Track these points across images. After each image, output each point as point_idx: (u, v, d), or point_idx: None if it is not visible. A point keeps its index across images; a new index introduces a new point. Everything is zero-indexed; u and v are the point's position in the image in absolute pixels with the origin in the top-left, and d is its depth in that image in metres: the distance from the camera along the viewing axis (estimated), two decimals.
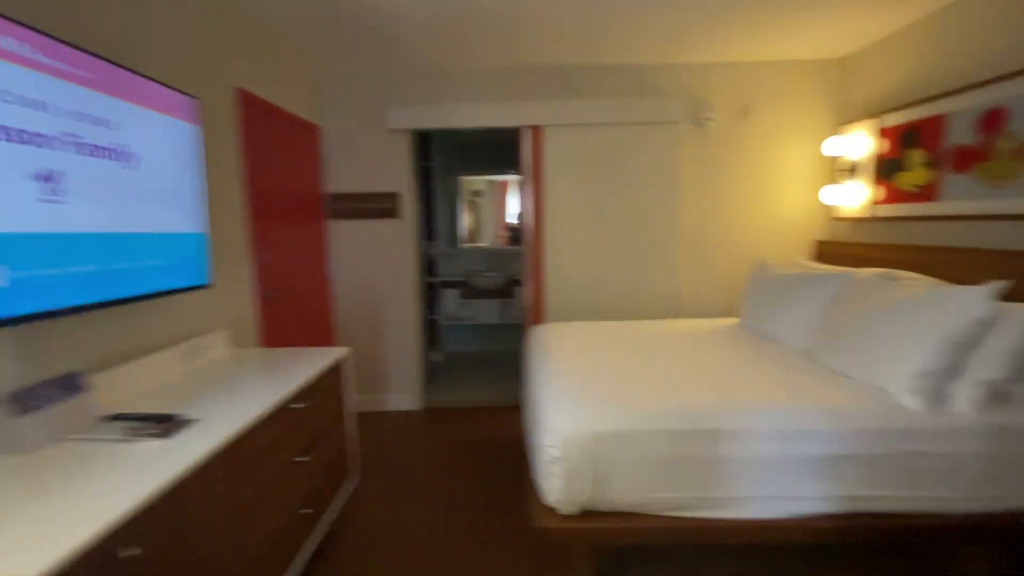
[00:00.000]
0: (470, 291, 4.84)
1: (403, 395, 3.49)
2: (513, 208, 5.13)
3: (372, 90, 3.22)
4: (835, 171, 3.10)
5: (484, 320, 4.82)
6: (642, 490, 1.50)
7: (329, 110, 3.23)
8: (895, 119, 2.61)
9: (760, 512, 1.52)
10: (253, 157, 2.37)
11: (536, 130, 3.15)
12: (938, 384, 1.52)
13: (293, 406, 1.64)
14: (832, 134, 3.11)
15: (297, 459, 1.69)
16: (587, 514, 1.51)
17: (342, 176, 3.28)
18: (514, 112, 3.13)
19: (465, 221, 5.10)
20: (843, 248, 2.96)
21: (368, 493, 2.38)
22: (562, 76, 3.17)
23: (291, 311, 2.74)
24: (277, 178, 2.65)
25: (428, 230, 4.72)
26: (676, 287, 3.29)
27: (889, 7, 2.37)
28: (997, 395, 1.51)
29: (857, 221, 2.95)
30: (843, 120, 3.07)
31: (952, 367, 1.52)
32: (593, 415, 1.53)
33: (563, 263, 3.26)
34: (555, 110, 3.10)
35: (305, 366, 1.85)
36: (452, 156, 4.90)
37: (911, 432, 1.48)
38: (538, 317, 3.30)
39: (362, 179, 3.29)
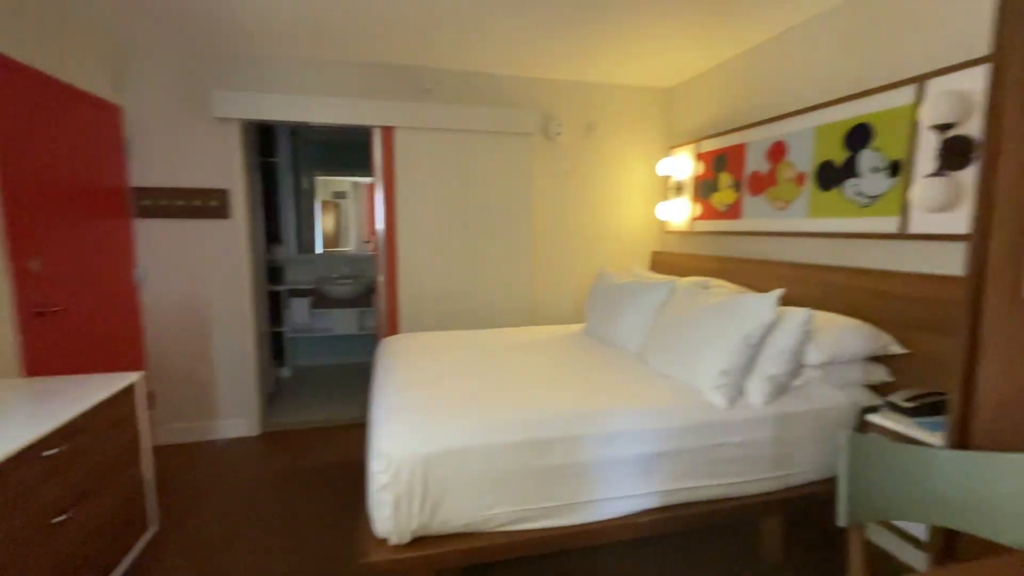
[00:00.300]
0: (324, 300, 4.48)
1: (237, 420, 3.06)
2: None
3: (191, 69, 2.79)
4: (667, 189, 3.45)
5: (341, 331, 4.50)
6: (478, 509, 1.45)
7: (135, 88, 2.73)
8: (709, 145, 2.97)
9: (594, 515, 1.56)
10: (9, 137, 1.88)
11: (388, 131, 3.00)
12: (737, 381, 1.72)
13: (46, 453, 1.30)
14: (663, 156, 3.45)
15: (55, 519, 1.34)
16: (419, 540, 1.42)
17: (153, 167, 2.79)
18: (365, 111, 2.94)
19: (324, 224, 4.72)
20: (673, 258, 3.29)
21: (173, 545, 2.00)
22: (416, 78, 3.07)
23: (77, 330, 2.24)
24: (54, 165, 2.14)
25: (272, 233, 4.27)
26: (531, 295, 3.37)
27: (704, 47, 2.68)
28: (778, 388, 1.75)
29: (683, 234, 3.30)
30: (671, 144, 3.42)
31: (746, 365, 1.72)
32: (425, 434, 1.44)
33: (417, 271, 3.15)
34: (408, 112, 2.99)
35: (73, 399, 1.49)
36: (306, 153, 4.50)
37: (716, 426, 1.64)
38: (392, 327, 3.14)
39: (181, 172, 2.83)
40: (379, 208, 3.08)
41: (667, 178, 3.42)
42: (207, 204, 2.87)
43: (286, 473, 2.60)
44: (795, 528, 2.00)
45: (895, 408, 1.62)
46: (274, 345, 4.05)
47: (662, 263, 3.41)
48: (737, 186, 2.72)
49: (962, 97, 1.59)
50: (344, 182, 4.82)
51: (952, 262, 1.71)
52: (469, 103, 3.16)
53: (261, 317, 3.42)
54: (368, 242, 4.87)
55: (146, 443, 1.88)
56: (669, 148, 3.43)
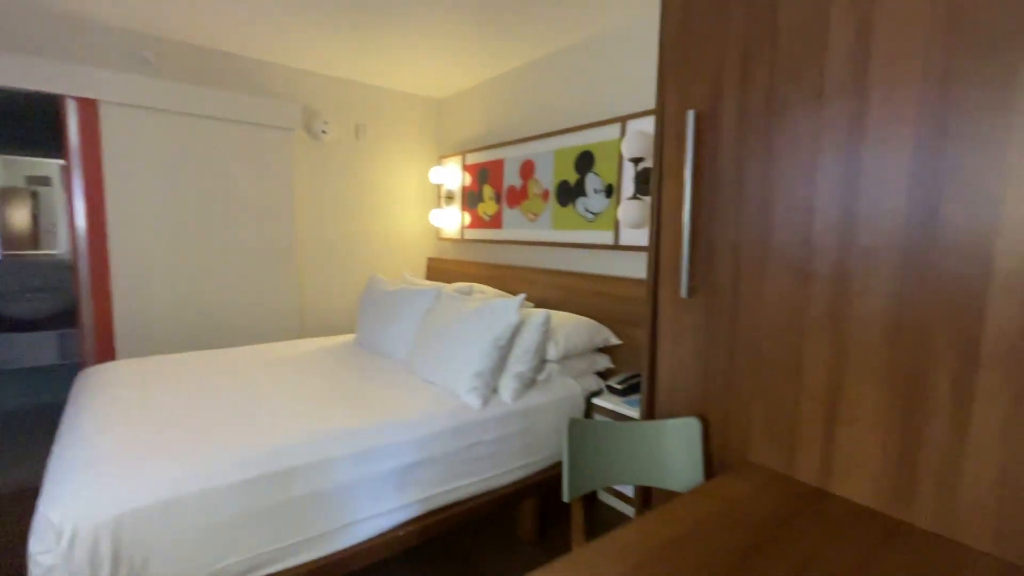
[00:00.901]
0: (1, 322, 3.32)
1: None
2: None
3: None
4: (439, 197, 3.54)
5: (32, 362, 3.40)
6: (203, 565, 1.21)
7: None
8: (474, 158, 3.15)
9: (351, 539, 1.46)
10: None
11: (88, 104, 2.36)
12: (489, 381, 1.83)
13: None
14: (435, 164, 3.54)
15: None
16: None
17: None
18: (52, 74, 2.25)
19: (14, 220, 3.49)
20: (447, 264, 3.40)
21: None
22: (132, 44, 2.49)
23: None
24: None
25: None
26: (299, 305, 3.07)
27: (467, 65, 2.83)
28: (526, 383, 1.93)
29: (455, 241, 3.43)
30: (442, 153, 3.53)
31: (497, 366, 1.85)
32: (113, 491, 1.14)
33: (142, 280, 2.56)
34: (121, 83, 2.40)
35: None
36: None
37: (471, 426, 1.72)
38: (104, 352, 2.48)
39: None
40: (77, 202, 2.40)
41: (439, 186, 3.52)
42: None
43: None
44: (547, 505, 2.25)
45: (612, 390, 1.95)
46: None
47: (437, 269, 3.49)
48: (498, 198, 2.95)
49: (648, 137, 2.01)
50: (47, 165, 3.67)
51: (645, 268, 2.14)
52: (212, 85, 2.71)
53: None
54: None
55: None
56: (440, 157, 3.53)
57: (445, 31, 2.36)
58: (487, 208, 3.05)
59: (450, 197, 3.40)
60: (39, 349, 3.43)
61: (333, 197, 3.18)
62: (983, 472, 0.88)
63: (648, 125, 2.07)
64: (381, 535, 1.52)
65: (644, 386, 1.53)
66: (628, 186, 2.18)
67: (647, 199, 2.07)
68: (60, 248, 3.76)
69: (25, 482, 2.44)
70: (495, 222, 2.99)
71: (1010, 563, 0.84)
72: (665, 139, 1.41)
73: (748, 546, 0.87)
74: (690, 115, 1.30)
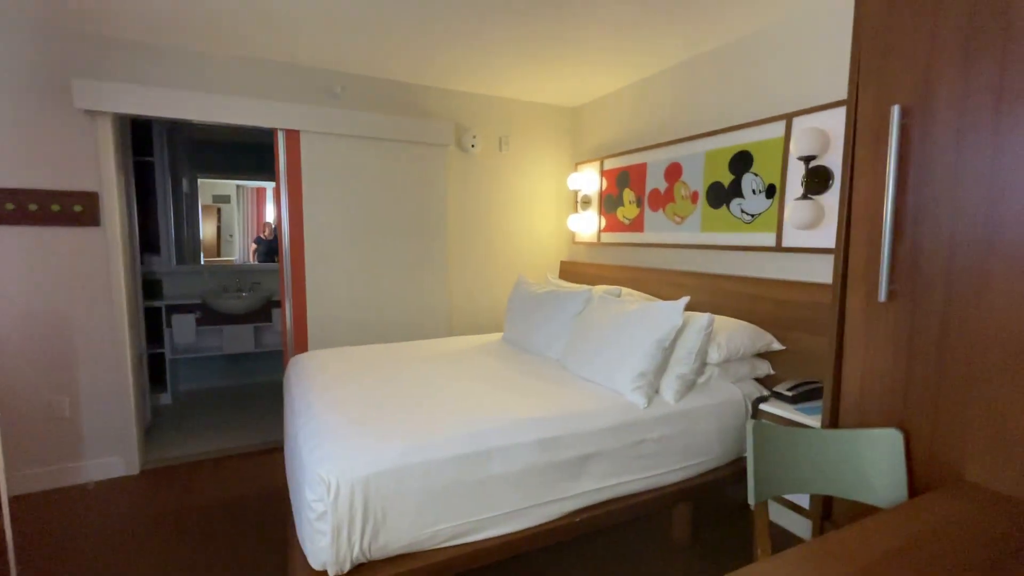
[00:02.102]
0: (212, 316, 4.05)
1: (109, 459, 2.65)
2: (271, 218, 4.53)
3: (40, 47, 2.39)
4: (575, 202, 3.65)
5: (234, 349, 4.10)
6: (420, 527, 1.42)
7: None
8: (613, 163, 3.21)
9: (531, 521, 1.60)
10: None
11: (293, 134, 2.83)
12: (652, 381, 1.88)
13: None
14: (571, 171, 3.65)
15: None
16: (360, 567, 1.36)
17: None
18: (268, 112, 2.74)
19: (205, 232, 4.28)
20: (582, 268, 3.49)
21: None
22: (324, 81, 2.93)
23: None
24: None
25: (147, 242, 3.79)
26: (448, 305, 3.36)
27: (606, 74, 2.90)
28: (687, 385, 1.95)
29: (591, 245, 3.51)
30: (579, 160, 3.63)
31: (660, 367, 1.89)
32: (362, 455, 1.39)
33: (328, 283, 2.99)
34: (316, 116, 2.84)
35: None
36: (185, 153, 4.06)
37: (637, 424, 1.78)
38: (300, 343, 2.94)
39: (34, 172, 2.41)
40: (284, 217, 2.88)
41: (576, 192, 3.63)
42: (69, 209, 2.47)
43: (177, 512, 2.31)
44: (698, 511, 2.23)
45: (780, 397, 1.88)
46: (152, 369, 3.58)
47: (571, 272, 3.60)
48: (639, 202, 2.97)
49: (821, 134, 1.91)
50: (228, 184, 4.42)
51: (816, 271, 2.03)
52: (382, 111, 3.08)
53: (138, 338, 3.01)
54: (255, 249, 4.50)
55: None
56: (576, 164, 3.64)
57: (589, 42, 2.45)
58: (627, 212, 3.09)
59: (587, 202, 3.49)
60: (240, 339, 4.13)
61: (479, 205, 3.44)
62: None
63: (823, 121, 1.97)
64: (559, 519, 1.64)
65: (828, 394, 1.48)
66: (794, 186, 2.09)
67: (819, 198, 1.97)
68: (236, 256, 4.49)
69: (253, 444, 2.98)
70: (636, 225, 3.01)
71: None
72: (859, 135, 1.36)
73: (981, 565, 0.82)
74: (895, 110, 1.24)
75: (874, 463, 1.31)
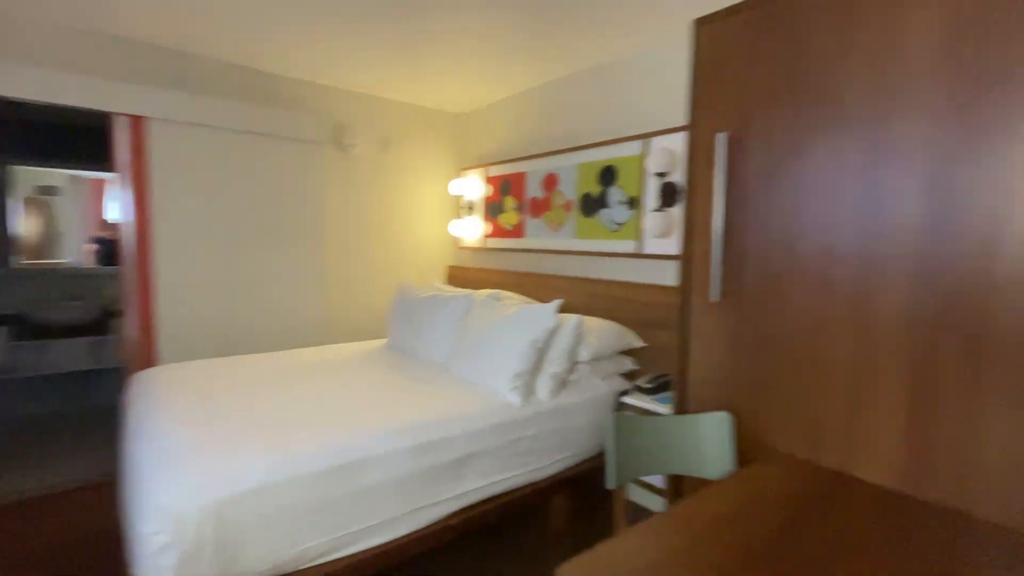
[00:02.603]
0: (35, 329, 3.42)
1: None
2: (113, 214, 3.94)
3: None
4: (459, 208, 3.69)
5: (66, 367, 3.50)
6: (286, 547, 1.34)
7: None
8: (496, 171, 3.30)
9: (410, 527, 1.58)
10: None
11: (137, 121, 2.50)
12: (528, 381, 1.97)
13: None
14: (455, 176, 3.69)
15: None
16: None
17: None
18: (100, 93, 2.39)
19: (26, 230, 3.60)
20: (467, 272, 3.54)
21: None
22: (178, 64, 2.63)
23: None
24: None
25: None
26: (328, 312, 3.20)
27: (490, 82, 2.98)
28: (560, 383, 2.07)
29: (476, 250, 3.57)
30: (463, 166, 3.68)
31: (535, 366, 1.99)
32: (214, 478, 1.27)
33: (184, 288, 2.68)
34: (167, 101, 2.54)
35: None
36: None
37: (515, 422, 1.86)
38: (148, 358, 2.60)
39: None
40: (127, 213, 2.53)
41: (459, 197, 3.67)
42: None
43: None
44: (575, 500, 2.37)
45: (640, 390, 2.08)
46: None
47: (458, 277, 3.63)
48: (520, 208, 3.10)
49: (671, 153, 2.16)
50: (57, 175, 3.78)
51: (670, 275, 2.29)
52: (250, 101, 2.85)
53: None
54: (98, 250, 3.89)
55: None
56: (461, 170, 3.68)
57: (472, 51, 2.52)
58: (509, 218, 3.19)
59: (470, 208, 3.54)
60: (72, 355, 3.53)
61: (361, 208, 3.32)
62: (990, 452, 1.02)
63: (671, 142, 2.22)
64: (440, 521, 1.64)
65: (676, 384, 1.67)
66: (652, 199, 2.33)
67: (671, 211, 2.22)
68: (69, 258, 3.85)
69: (89, 477, 2.55)
70: (517, 232, 3.13)
71: (1018, 532, 0.98)
72: (695, 157, 1.56)
73: (781, 525, 0.98)
74: (721, 137, 1.45)
75: (711, 443, 1.50)
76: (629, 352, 2.39)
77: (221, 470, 1.29)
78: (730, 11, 1.44)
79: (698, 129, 1.54)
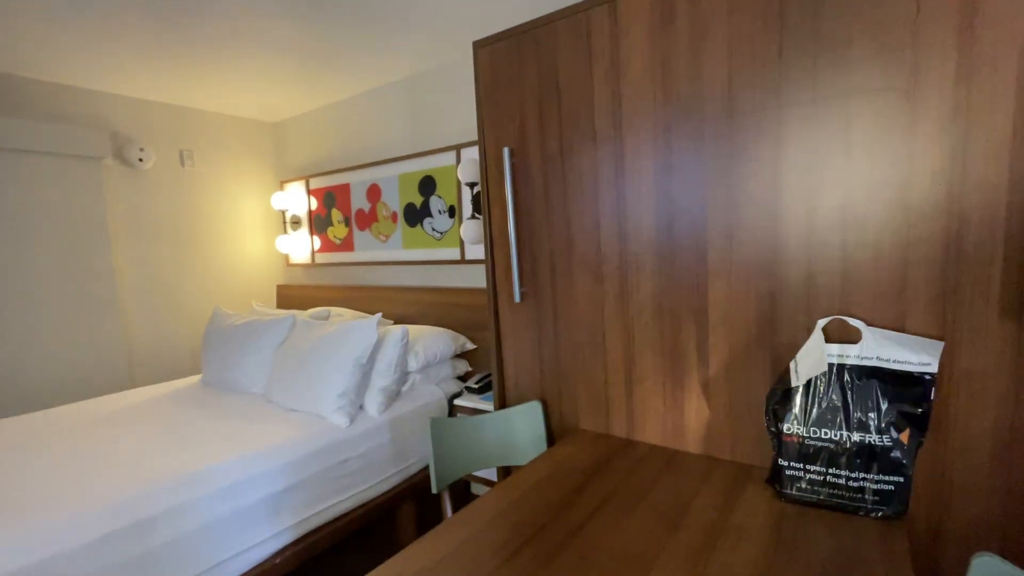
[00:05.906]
0: None
1: None
2: None
3: None
4: (285, 223, 3.45)
5: None
6: None
7: None
8: (319, 183, 3.16)
9: None
10: None
11: None
12: (354, 399, 1.92)
13: None
14: (276, 189, 3.44)
15: None
16: None
17: None
18: None
19: None
20: (299, 291, 3.33)
21: None
22: None
23: None
24: None
25: None
26: (127, 351, 2.76)
27: (303, 92, 2.84)
28: (391, 396, 2.06)
29: (306, 267, 3.38)
30: (283, 178, 3.45)
31: (361, 383, 1.95)
32: None
33: None
34: None
35: None
36: None
37: (339, 444, 1.80)
38: None
39: None
40: None
41: (283, 212, 3.43)
42: None
43: None
44: (423, 507, 2.39)
45: (470, 390, 2.17)
46: None
47: (289, 296, 3.39)
48: (347, 221, 3.01)
49: (477, 163, 2.28)
50: None
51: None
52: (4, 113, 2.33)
53: None
54: None
55: None
56: (281, 182, 3.45)
57: (271, 60, 2.38)
58: (337, 232, 3.08)
59: (296, 222, 3.34)
60: None
61: (158, 230, 2.92)
62: (720, 405, 1.27)
63: (476, 153, 2.35)
64: (258, 566, 1.53)
65: (495, 381, 1.78)
66: (467, 207, 2.44)
67: (482, 218, 2.34)
68: None
69: None
70: (346, 245, 3.04)
71: (743, 464, 1.24)
72: (488, 170, 1.67)
73: (574, 489, 1.14)
74: (505, 151, 1.58)
75: (526, 432, 1.63)
76: (464, 355, 2.47)
77: None
78: (501, 35, 1.58)
79: (487, 143, 1.66)
